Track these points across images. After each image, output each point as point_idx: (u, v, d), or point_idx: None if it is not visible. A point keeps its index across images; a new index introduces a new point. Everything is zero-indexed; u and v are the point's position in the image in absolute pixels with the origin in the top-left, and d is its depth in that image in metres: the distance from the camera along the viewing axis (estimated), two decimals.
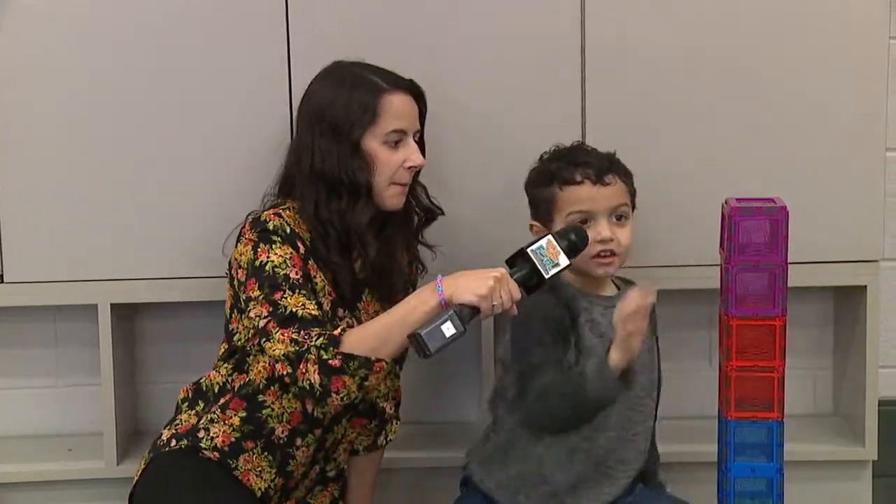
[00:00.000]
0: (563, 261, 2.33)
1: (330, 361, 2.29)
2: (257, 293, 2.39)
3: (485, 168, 2.78)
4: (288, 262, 2.40)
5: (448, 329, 2.23)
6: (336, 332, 2.33)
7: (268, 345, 2.36)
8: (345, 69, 2.54)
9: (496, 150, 2.76)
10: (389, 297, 2.55)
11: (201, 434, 2.50)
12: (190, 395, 2.59)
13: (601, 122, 2.82)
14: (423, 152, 2.56)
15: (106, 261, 2.85)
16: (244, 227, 2.47)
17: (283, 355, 2.33)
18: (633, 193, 2.54)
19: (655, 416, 2.62)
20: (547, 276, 2.32)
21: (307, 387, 2.32)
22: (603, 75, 2.81)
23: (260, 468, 2.51)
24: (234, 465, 2.49)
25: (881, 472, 3.01)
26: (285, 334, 2.34)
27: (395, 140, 2.49)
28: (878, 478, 3.01)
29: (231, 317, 2.52)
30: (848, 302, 3.01)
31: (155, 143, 2.82)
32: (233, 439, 2.50)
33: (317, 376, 2.30)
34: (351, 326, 2.45)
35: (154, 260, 2.79)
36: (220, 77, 2.79)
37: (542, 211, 2.53)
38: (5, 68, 2.79)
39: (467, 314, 2.26)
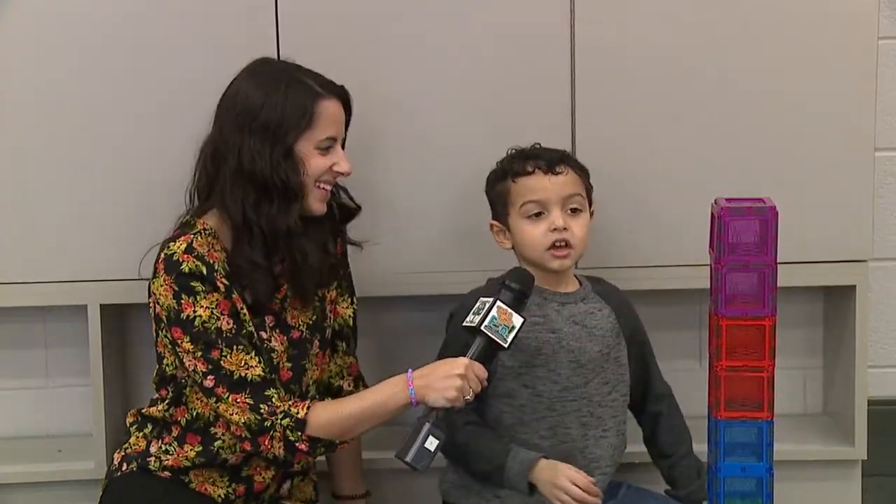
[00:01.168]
0: (517, 320, 2.35)
1: (297, 444, 2.36)
2: (190, 346, 2.39)
3: (473, 166, 2.77)
4: (215, 312, 2.39)
5: (431, 443, 2.28)
6: (302, 414, 2.36)
7: (221, 407, 2.39)
8: (275, 68, 2.50)
9: (485, 149, 2.76)
10: (306, 296, 2.53)
11: (151, 459, 2.53)
12: (138, 420, 2.61)
13: (591, 122, 2.82)
14: None
15: (96, 261, 2.85)
16: (158, 261, 2.43)
17: (243, 423, 2.37)
18: (588, 189, 2.56)
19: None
20: (507, 345, 2.34)
21: (270, 456, 2.39)
22: (593, 75, 2.82)
23: (213, 479, 2.54)
24: (187, 480, 2.53)
25: (871, 471, 3.02)
26: (239, 400, 2.37)
27: (327, 147, 2.46)
28: (868, 477, 3.02)
29: (157, 340, 2.51)
30: (837, 302, 3.01)
31: (145, 143, 2.82)
32: (183, 465, 2.53)
33: (282, 451, 2.37)
34: (279, 337, 2.48)
35: (144, 261, 2.78)
36: (209, 77, 2.77)
37: (498, 208, 2.55)
38: None
39: (443, 415, 2.30)
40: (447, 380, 2.30)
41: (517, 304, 2.36)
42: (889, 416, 3.07)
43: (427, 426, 2.28)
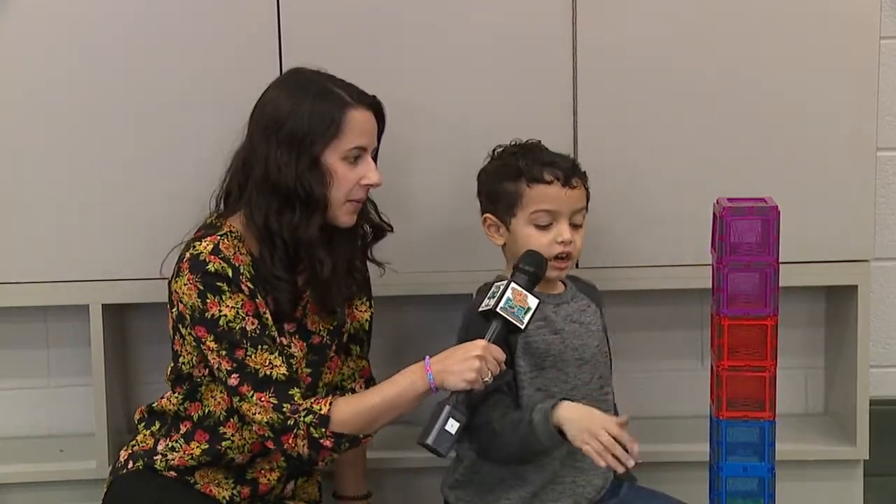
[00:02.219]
0: (533, 302, 2.35)
1: (321, 441, 2.36)
2: (214, 345, 2.39)
3: (475, 166, 2.77)
4: (241, 312, 2.39)
5: (452, 426, 2.28)
6: (325, 410, 2.36)
7: (244, 405, 2.39)
8: (306, 78, 2.48)
9: (486, 149, 2.75)
10: (330, 309, 2.54)
11: (157, 458, 2.53)
12: (146, 416, 2.61)
13: (592, 121, 2.83)
14: None
15: (97, 261, 2.85)
16: (182, 261, 2.42)
17: (266, 423, 2.37)
18: (589, 198, 2.56)
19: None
20: (524, 326, 2.35)
21: (294, 454, 2.39)
22: (594, 75, 2.82)
23: (217, 480, 2.54)
24: (192, 481, 2.53)
25: (872, 471, 3.02)
26: (263, 399, 2.37)
27: (355, 156, 2.44)
28: (870, 477, 3.02)
29: (174, 338, 2.51)
30: (839, 301, 3.01)
31: (146, 143, 2.82)
32: (189, 465, 2.53)
33: (306, 449, 2.37)
34: (298, 346, 2.48)
35: (145, 260, 2.78)
36: (211, 78, 2.78)
37: (502, 205, 2.53)
38: None
39: (463, 398, 2.31)
40: (465, 362, 2.31)
41: (531, 287, 2.37)
42: (891, 415, 3.07)
43: (447, 409, 2.28)
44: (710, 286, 2.51)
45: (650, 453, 2.79)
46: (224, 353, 2.38)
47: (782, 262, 2.44)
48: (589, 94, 2.82)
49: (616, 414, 2.62)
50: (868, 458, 2.97)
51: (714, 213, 2.49)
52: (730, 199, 2.47)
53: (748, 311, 2.43)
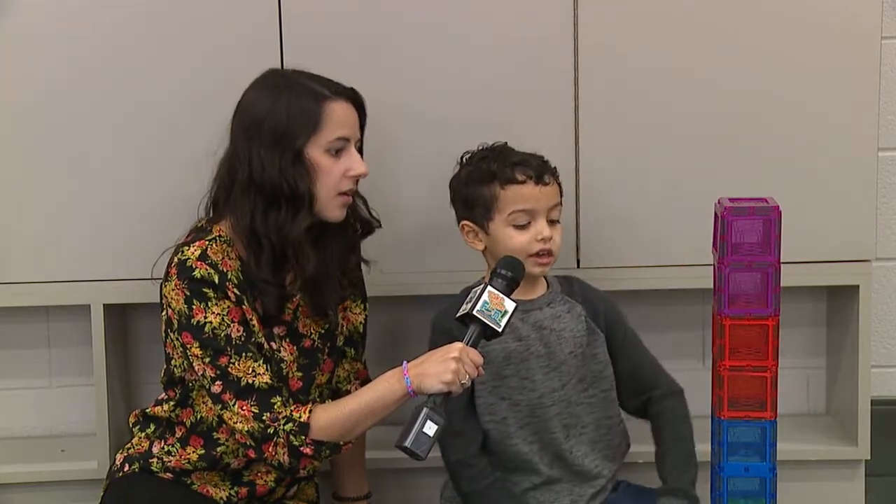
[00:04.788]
0: (510, 305, 2.35)
1: (301, 448, 2.35)
2: (199, 352, 2.39)
3: None
4: (226, 319, 2.39)
5: (430, 428, 2.25)
6: (304, 418, 2.35)
7: (226, 414, 2.39)
8: (282, 76, 2.49)
9: None
10: (322, 310, 2.54)
11: (154, 460, 2.53)
12: (140, 420, 2.61)
13: (594, 124, 2.82)
14: None
15: (99, 261, 2.85)
16: (171, 265, 2.43)
17: (247, 432, 2.37)
18: (562, 193, 2.56)
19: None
20: (501, 329, 2.34)
21: (275, 463, 2.39)
22: (596, 76, 2.81)
23: (214, 482, 2.55)
24: (189, 482, 2.53)
25: (874, 471, 3.02)
26: (245, 408, 2.37)
27: (338, 149, 2.44)
28: (871, 477, 3.02)
29: (166, 341, 2.51)
30: (841, 301, 3.01)
31: (148, 143, 2.82)
32: (185, 467, 2.53)
33: (286, 458, 2.36)
34: (288, 350, 2.48)
35: (147, 260, 2.78)
36: (213, 78, 2.78)
37: (479, 210, 2.53)
38: None
39: (441, 402, 2.29)
40: (442, 363, 2.30)
41: (508, 291, 2.37)
42: (892, 415, 3.07)
43: (425, 411, 2.26)
44: (712, 286, 2.51)
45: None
46: (208, 360, 2.38)
47: (784, 262, 2.44)
48: (590, 95, 2.82)
49: (609, 418, 2.63)
50: (870, 458, 2.97)
51: (715, 213, 2.49)
52: (731, 200, 2.47)
53: (750, 311, 2.43)
